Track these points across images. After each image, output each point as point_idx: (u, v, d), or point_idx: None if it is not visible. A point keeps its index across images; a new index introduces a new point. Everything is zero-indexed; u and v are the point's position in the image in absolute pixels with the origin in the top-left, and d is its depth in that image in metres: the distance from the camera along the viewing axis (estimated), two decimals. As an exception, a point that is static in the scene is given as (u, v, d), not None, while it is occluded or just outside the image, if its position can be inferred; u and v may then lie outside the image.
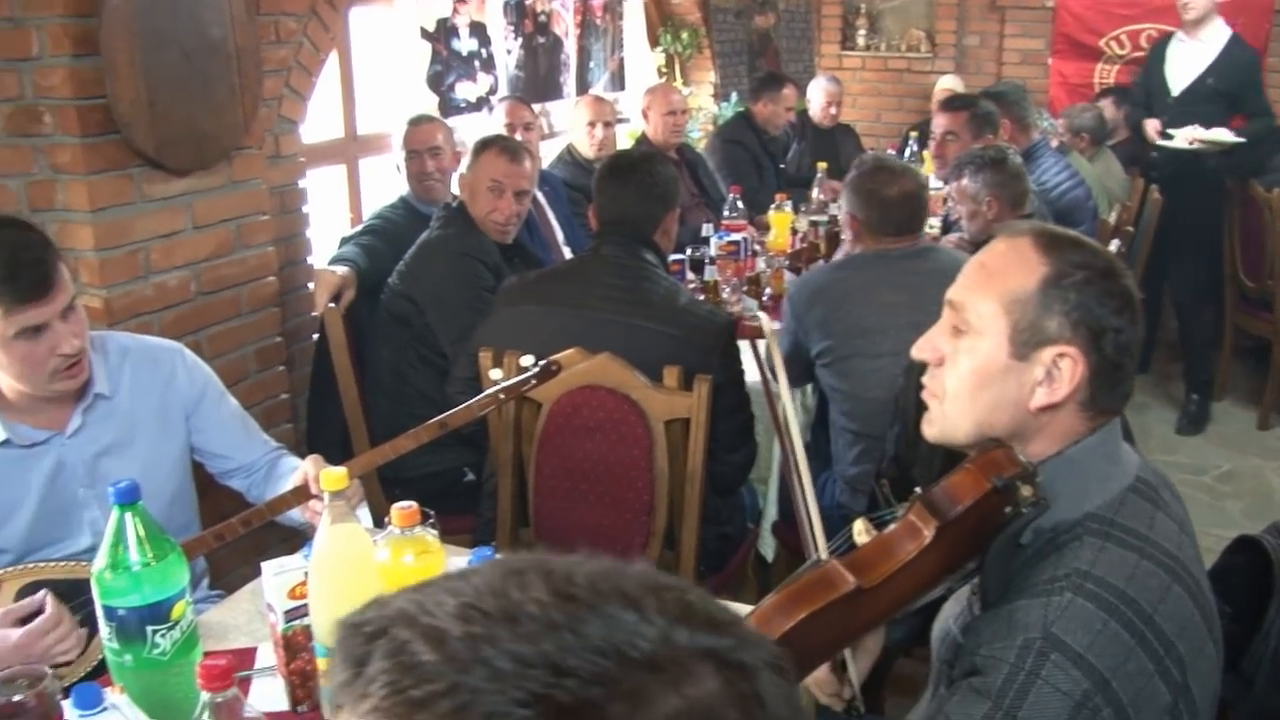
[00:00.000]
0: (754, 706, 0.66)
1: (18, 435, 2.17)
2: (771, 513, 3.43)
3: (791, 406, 1.74)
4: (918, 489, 1.45)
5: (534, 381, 2.15)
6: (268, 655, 1.91)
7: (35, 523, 2.21)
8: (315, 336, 3.65)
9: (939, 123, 4.77)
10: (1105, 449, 1.47)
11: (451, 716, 0.62)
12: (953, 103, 4.87)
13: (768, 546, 3.46)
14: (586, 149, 5.10)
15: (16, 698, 1.56)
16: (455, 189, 3.78)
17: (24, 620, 1.96)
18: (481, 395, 2.14)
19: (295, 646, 1.77)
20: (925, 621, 1.74)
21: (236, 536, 2.13)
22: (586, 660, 0.63)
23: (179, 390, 2.36)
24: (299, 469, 2.19)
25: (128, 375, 2.31)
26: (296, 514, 2.27)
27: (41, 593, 1.99)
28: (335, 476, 1.61)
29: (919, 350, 1.55)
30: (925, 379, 1.56)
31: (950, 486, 1.39)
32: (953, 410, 1.50)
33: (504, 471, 2.85)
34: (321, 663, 1.71)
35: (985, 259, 1.52)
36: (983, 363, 1.46)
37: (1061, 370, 1.43)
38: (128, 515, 1.54)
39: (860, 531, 1.49)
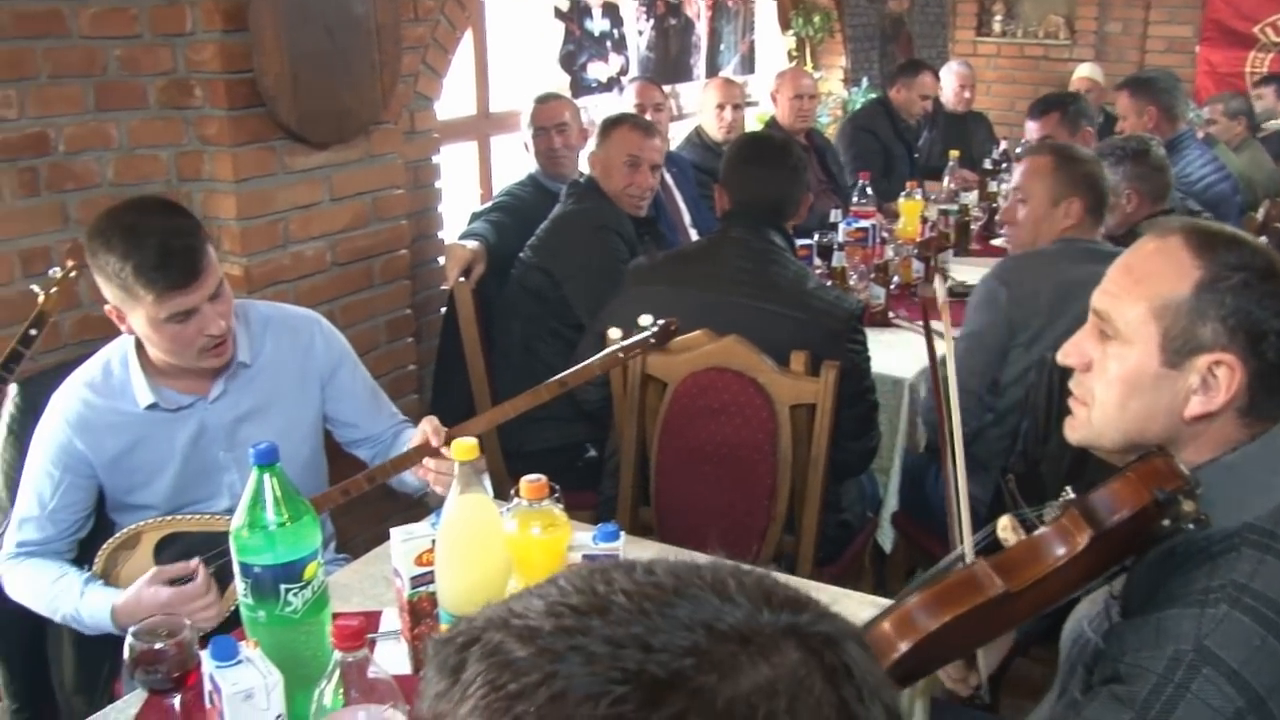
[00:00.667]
0: (841, 676, 0.67)
1: (164, 399, 2.25)
2: (892, 503, 3.40)
3: (955, 395, 1.70)
4: (1068, 490, 1.41)
5: (652, 340, 2.15)
6: (392, 619, 1.96)
7: (178, 483, 2.29)
8: (443, 310, 3.71)
9: (1032, 129, 4.67)
10: (1267, 457, 1.39)
11: (550, 704, 0.63)
12: (1040, 107, 4.74)
13: (886, 537, 3.42)
14: (715, 131, 5.08)
15: (158, 646, 1.62)
16: (584, 166, 3.80)
17: (174, 581, 2.07)
18: (601, 354, 2.15)
19: (420, 612, 1.80)
20: (1051, 622, 1.71)
21: (361, 492, 2.18)
22: (677, 636, 0.65)
23: (316, 359, 2.43)
24: (418, 431, 2.22)
25: (269, 344, 2.38)
26: (412, 479, 2.32)
27: (195, 560, 2.08)
28: (466, 446, 1.63)
29: (1065, 355, 1.49)
30: (1072, 384, 1.49)
31: (1109, 495, 1.34)
32: (1100, 418, 1.44)
33: (627, 449, 2.86)
34: (445, 629, 1.73)
35: (1132, 261, 1.45)
36: (1132, 371, 1.40)
37: (1218, 379, 1.36)
38: (266, 476, 1.59)
39: (1005, 528, 1.46)
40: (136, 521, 2.31)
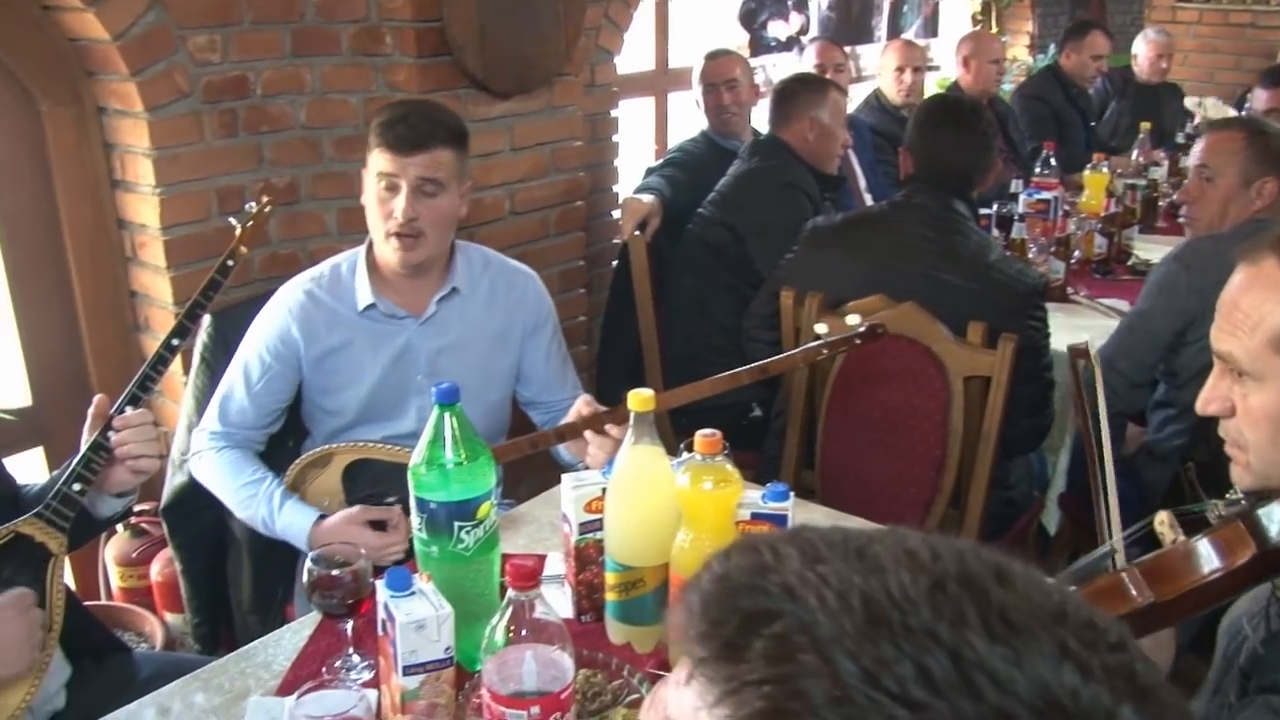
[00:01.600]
0: None
1: (382, 304, 2.36)
2: (1060, 484, 3.29)
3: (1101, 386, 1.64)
4: (1234, 494, 1.34)
5: (858, 341, 2.13)
6: (556, 564, 1.99)
7: (372, 395, 2.39)
8: (614, 263, 3.73)
9: (1262, 99, 4.40)
10: None
11: None
12: (1273, 76, 4.46)
13: (1051, 518, 3.32)
14: (894, 95, 4.97)
15: (335, 573, 1.68)
16: (755, 123, 3.77)
17: (372, 522, 2.19)
18: (805, 346, 2.16)
19: (585, 559, 1.82)
20: (1212, 617, 1.63)
21: (522, 453, 2.22)
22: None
23: (525, 311, 2.49)
24: (573, 410, 2.24)
25: (485, 285, 2.46)
26: (565, 453, 2.35)
27: (398, 508, 2.18)
28: (643, 397, 1.64)
29: (1204, 404, 1.40)
30: (1221, 431, 1.40)
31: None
32: (1259, 461, 1.35)
33: (794, 411, 2.84)
34: (610, 577, 1.75)
35: (1234, 295, 1.35)
36: (1273, 406, 1.31)
37: None
38: (447, 415, 1.62)
39: (1162, 523, 1.40)
40: (325, 428, 2.41)
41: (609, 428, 2.12)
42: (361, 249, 2.40)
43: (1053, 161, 4.54)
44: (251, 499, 2.30)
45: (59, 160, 2.92)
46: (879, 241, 2.78)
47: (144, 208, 2.92)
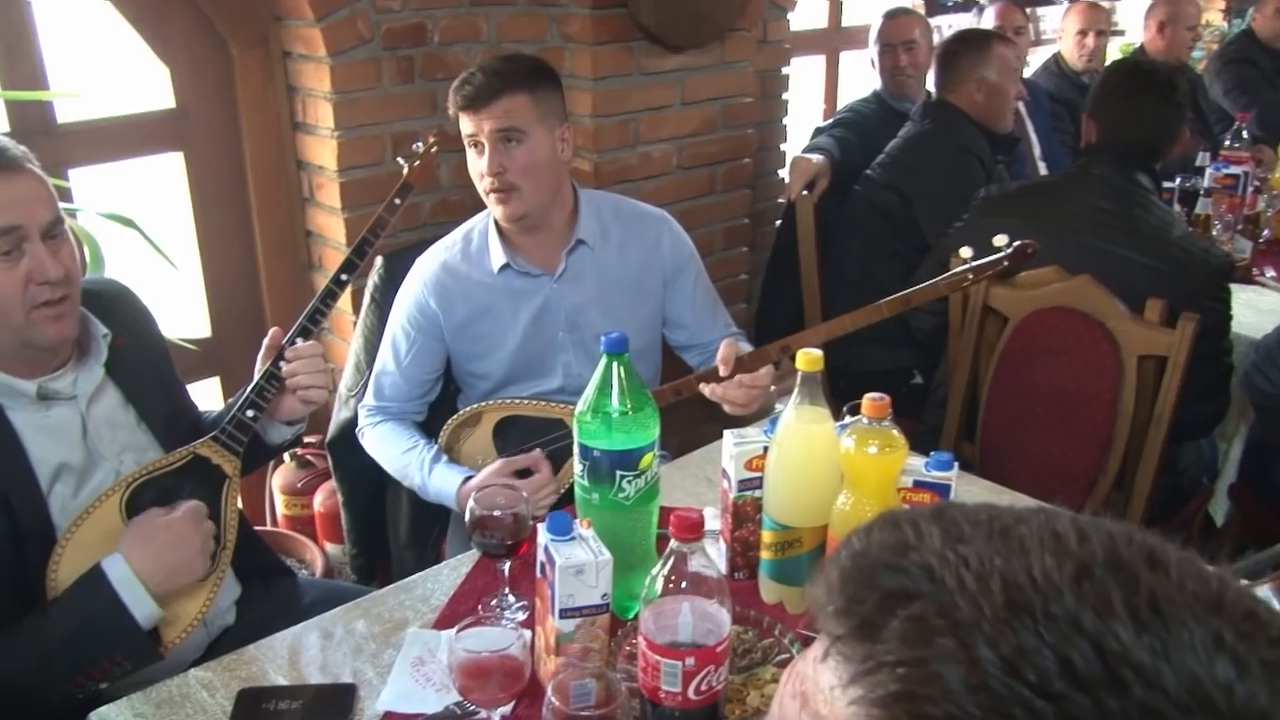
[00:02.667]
0: None
1: (516, 264, 2.38)
2: (1230, 474, 3.15)
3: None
4: None
5: (1005, 262, 2.03)
6: (711, 519, 1.98)
7: (517, 356, 2.41)
8: (778, 222, 3.70)
9: None
10: None
11: None
12: None
13: (1219, 509, 3.18)
14: (1074, 59, 4.79)
15: (496, 513, 1.71)
16: (930, 85, 3.67)
17: (518, 472, 2.21)
18: (949, 273, 2.06)
19: (743, 515, 1.82)
20: None
21: (666, 402, 2.21)
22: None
23: (662, 257, 2.47)
24: (720, 352, 2.21)
25: (616, 233, 2.44)
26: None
27: (538, 452, 2.22)
28: (811, 357, 1.62)
29: None
30: None
31: None
32: None
33: (958, 381, 2.78)
34: (767, 535, 1.74)
35: None
36: None
37: None
38: (615, 364, 1.63)
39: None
40: (477, 391, 2.45)
41: (746, 378, 2.09)
42: (489, 211, 2.41)
43: (1245, 134, 4.32)
44: (406, 467, 2.36)
45: (246, 102, 3.02)
46: (1055, 211, 2.69)
47: (322, 150, 3.00)
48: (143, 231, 2.49)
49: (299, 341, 1.99)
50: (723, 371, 2.08)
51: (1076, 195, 2.70)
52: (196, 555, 1.79)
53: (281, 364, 1.97)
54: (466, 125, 2.27)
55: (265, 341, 2.01)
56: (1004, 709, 0.52)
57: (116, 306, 1.97)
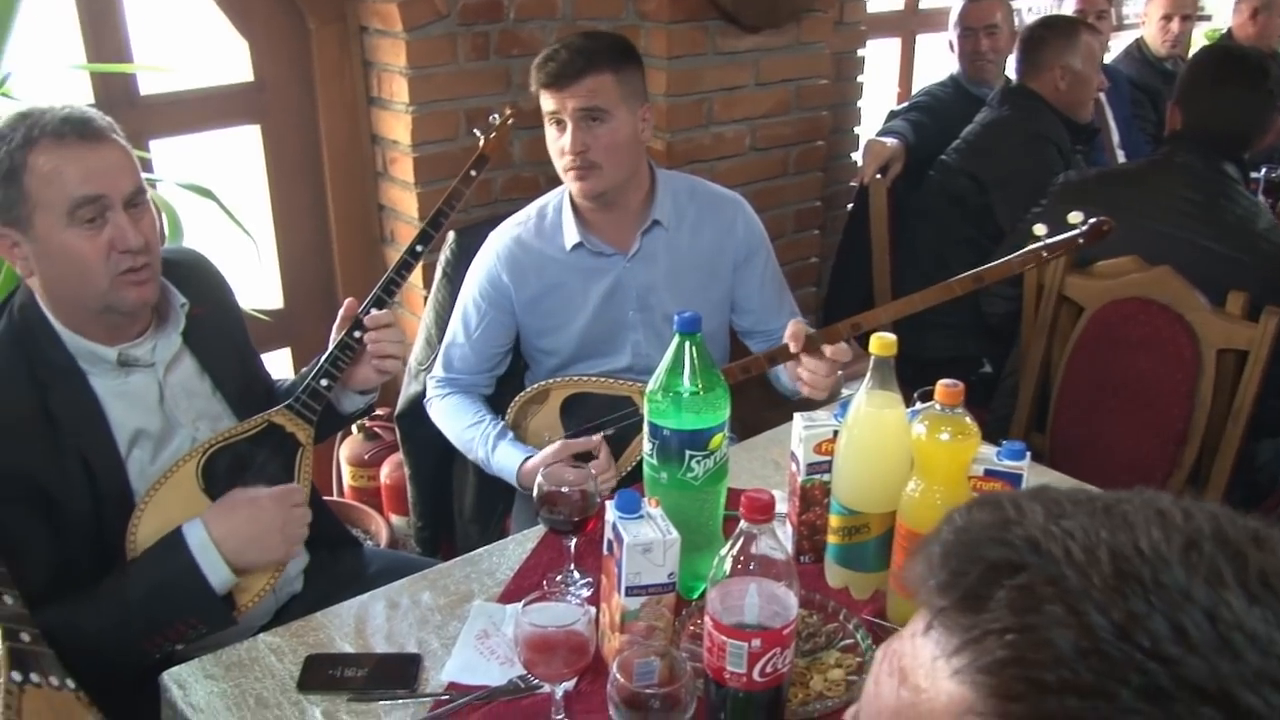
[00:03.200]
0: None
1: (590, 243, 2.38)
2: (1311, 472, 3.09)
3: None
4: None
5: (1081, 240, 1.99)
6: (778, 502, 1.97)
7: (586, 333, 2.42)
8: (849, 206, 3.67)
9: None
10: None
11: (1089, 700, 0.53)
12: None
13: (1298, 507, 3.12)
14: (1157, 45, 4.69)
15: (564, 490, 1.72)
16: (1010, 71, 3.61)
17: (578, 454, 2.20)
18: (1023, 250, 2.02)
19: (810, 499, 1.81)
20: None
21: (734, 380, 2.20)
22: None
23: (735, 239, 2.46)
24: (788, 332, 2.20)
25: (690, 215, 2.43)
26: (785, 380, 2.31)
27: (598, 438, 2.22)
28: (884, 341, 1.60)
29: None
30: None
31: None
32: None
33: (1029, 370, 2.74)
34: (834, 520, 1.73)
35: None
36: None
37: None
38: (687, 344, 1.62)
39: None
40: (544, 367, 2.46)
41: (824, 349, 2.07)
42: (565, 188, 2.40)
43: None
44: (471, 442, 2.37)
45: (322, 76, 3.05)
46: (1137, 200, 2.64)
47: (397, 125, 3.02)
48: (220, 202, 2.52)
49: (373, 312, 2.01)
50: (793, 348, 2.07)
51: (1159, 184, 2.65)
52: (275, 533, 1.81)
53: (356, 333, 1.99)
54: (548, 103, 2.26)
55: (341, 311, 2.04)
56: (1117, 672, 0.53)
57: (194, 276, 2.00)
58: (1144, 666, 0.53)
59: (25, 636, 1.39)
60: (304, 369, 2.13)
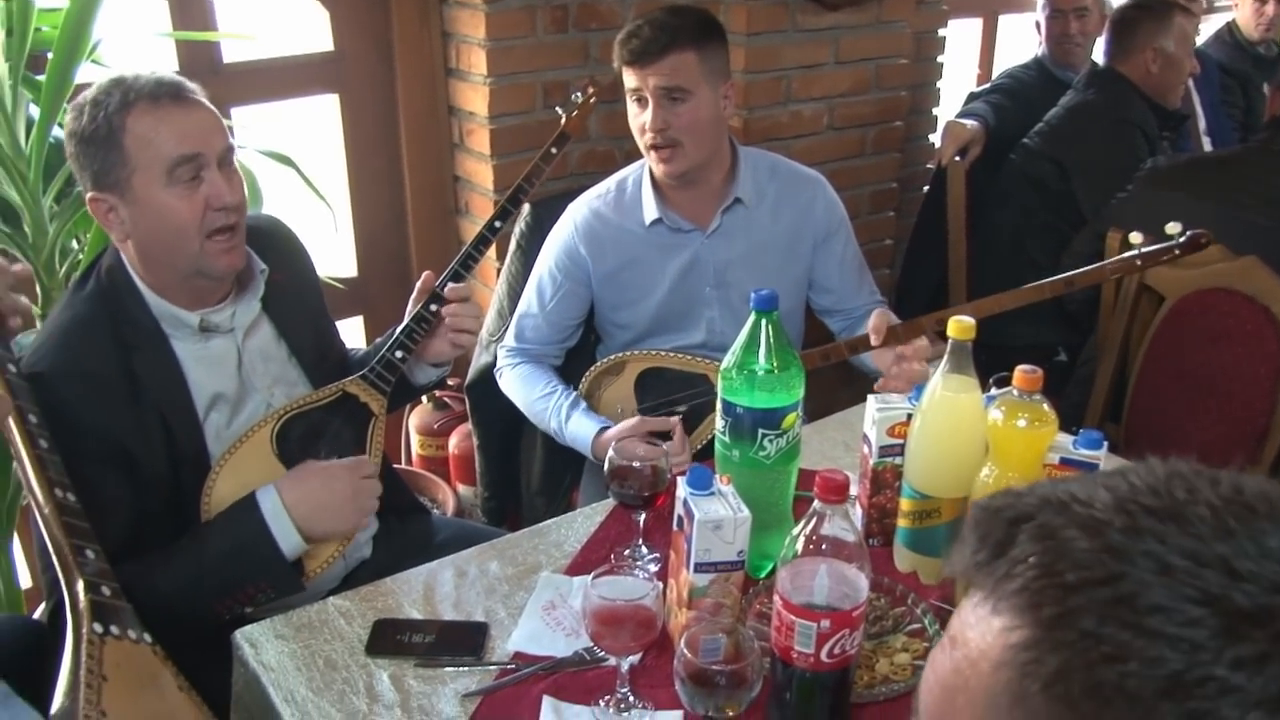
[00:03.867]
0: None
1: (669, 219, 2.37)
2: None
3: None
4: None
5: (1178, 251, 1.96)
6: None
7: (661, 309, 2.41)
8: (925, 189, 3.62)
9: None
10: None
11: (1111, 606, 0.58)
12: None
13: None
14: (1250, 29, 4.56)
15: (635, 464, 1.72)
16: (1098, 54, 3.54)
17: (652, 434, 2.21)
18: (1117, 258, 1.99)
19: (881, 482, 1.80)
20: None
21: (813, 365, 2.19)
22: (1267, 568, 0.58)
23: (815, 219, 2.44)
24: (871, 320, 2.19)
25: (771, 193, 2.42)
26: (870, 362, 2.29)
27: (675, 420, 2.23)
28: (963, 325, 1.58)
29: None
30: None
31: None
32: None
33: (1106, 360, 2.70)
34: (905, 503, 1.72)
35: None
36: None
37: None
38: (763, 322, 1.61)
39: None
40: (618, 341, 2.46)
41: (902, 348, 2.06)
42: (645, 162, 2.39)
43: None
44: (544, 412, 2.38)
45: (402, 47, 3.06)
46: (1228, 187, 2.58)
47: (474, 96, 3.03)
48: (300, 170, 2.55)
49: (450, 285, 2.02)
50: (874, 341, 2.06)
51: (1252, 171, 2.59)
52: (346, 504, 1.83)
53: (433, 306, 2.00)
54: (630, 79, 2.25)
55: (418, 284, 2.05)
56: (1126, 558, 0.60)
57: (274, 242, 2.03)
58: (1149, 549, 0.59)
59: (106, 590, 1.42)
60: (379, 339, 2.15)
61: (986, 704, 0.63)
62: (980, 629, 0.64)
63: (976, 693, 0.64)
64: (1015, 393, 1.54)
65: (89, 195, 1.77)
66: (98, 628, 1.35)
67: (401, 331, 2.00)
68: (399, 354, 1.99)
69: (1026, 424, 1.53)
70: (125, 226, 1.77)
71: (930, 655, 0.72)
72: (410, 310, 2.04)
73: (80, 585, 1.39)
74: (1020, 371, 1.54)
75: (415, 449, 3.38)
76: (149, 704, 1.33)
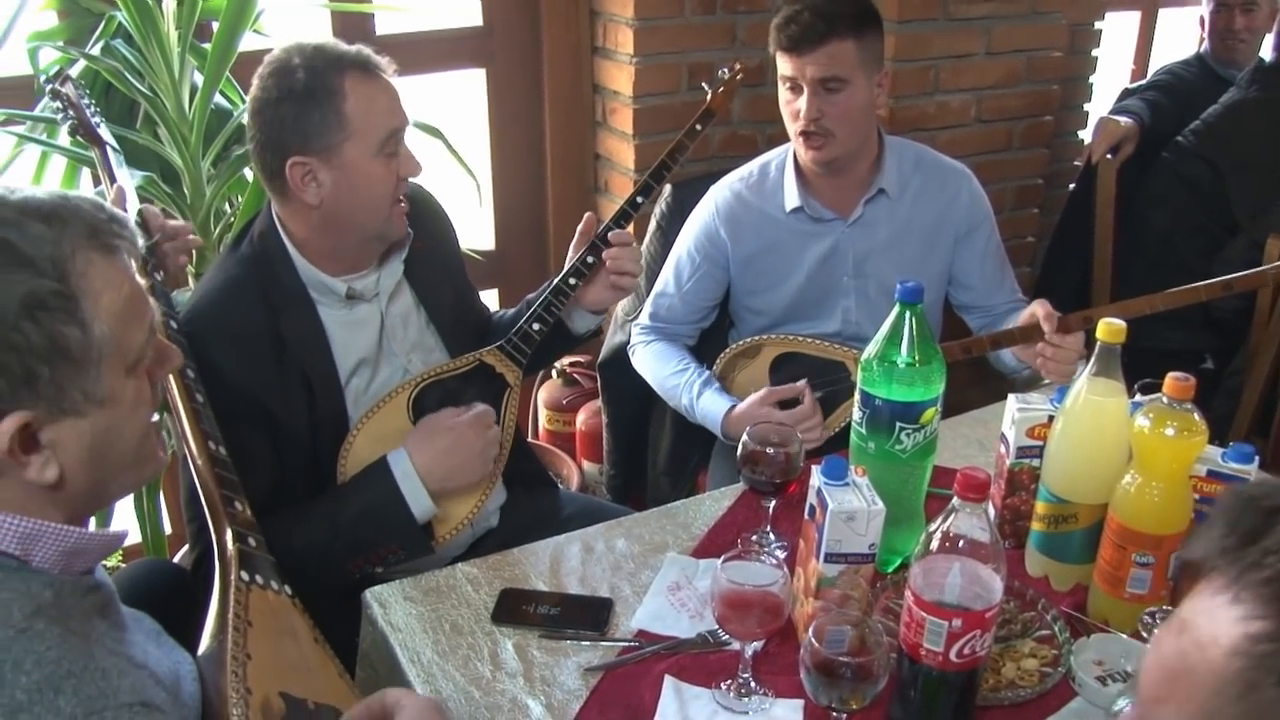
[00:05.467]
0: None
1: (810, 207, 2.35)
2: None
3: None
4: None
5: None
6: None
7: (798, 296, 2.40)
8: (1071, 186, 3.53)
9: None
10: None
11: None
12: None
13: None
14: None
15: (769, 450, 1.71)
16: (1265, 50, 3.39)
17: (783, 404, 2.19)
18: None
19: (1017, 483, 1.76)
20: None
21: (954, 358, 2.15)
22: None
23: (958, 213, 2.40)
24: (1028, 309, 2.14)
25: (915, 184, 2.38)
26: (1010, 359, 2.25)
27: (803, 383, 2.20)
28: (1113, 328, 1.54)
29: None
30: None
31: None
32: None
33: (1257, 371, 2.61)
34: (1041, 506, 1.68)
35: None
36: None
37: None
38: (908, 314, 1.59)
39: None
40: (751, 326, 2.45)
41: (1058, 337, 2.01)
42: (789, 147, 2.36)
43: None
44: (675, 388, 2.38)
45: (549, 23, 3.09)
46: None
47: (619, 75, 3.04)
48: (448, 142, 2.59)
49: (613, 232, 2.06)
50: (1047, 329, 2.02)
51: None
52: (474, 459, 1.86)
53: (590, 258, 2.04)
54: (785, 66, 2.23)
55: (580, 227, 2.08)
56: None
57: (420, 211, 2.06)
58: None
59: (252, 541, 1.47)
60: (530, 295, 2.17)
61: (1212, 691, 0.62)
62: (1215, 616, 0.63)
63: (1202, 678, 0.63)
64: (1164, 399, 1.50)
65: (290, 159, 1.76)
66: (244, 575, 1.40)
67: (540, 304, 2.03)
68: (536, 326, 2.01)
69: (1175, 433, 1.48)
70: (321, 190, 1.79)
71: (1154, 637, 0.71)
72: (571, 256, 2.07)
73: (229, 534, 1.44)
74: (1171, 378, 1.49)
75: (543, 423, 3.42)
76: (288, 651, 1.37)
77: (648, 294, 2.54)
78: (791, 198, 2.35)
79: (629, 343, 2.56)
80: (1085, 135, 3.59)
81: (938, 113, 3.03)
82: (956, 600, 1.34)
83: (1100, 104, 3.66)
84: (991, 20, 3.02)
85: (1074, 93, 3.53)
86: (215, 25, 2.37)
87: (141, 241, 1.24)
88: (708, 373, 2.36)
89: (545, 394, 3.40)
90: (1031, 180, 3.33)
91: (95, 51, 2.38)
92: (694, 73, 3.01)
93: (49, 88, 2.09)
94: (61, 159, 2.41)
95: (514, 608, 1.67)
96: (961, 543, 1.31)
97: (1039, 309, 2.07)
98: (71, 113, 2.02)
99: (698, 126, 2.20)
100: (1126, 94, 3.61)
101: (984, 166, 3.13)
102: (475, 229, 3.23)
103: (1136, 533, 1.52)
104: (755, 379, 2.33)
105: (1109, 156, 3.24)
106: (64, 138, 2.37)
